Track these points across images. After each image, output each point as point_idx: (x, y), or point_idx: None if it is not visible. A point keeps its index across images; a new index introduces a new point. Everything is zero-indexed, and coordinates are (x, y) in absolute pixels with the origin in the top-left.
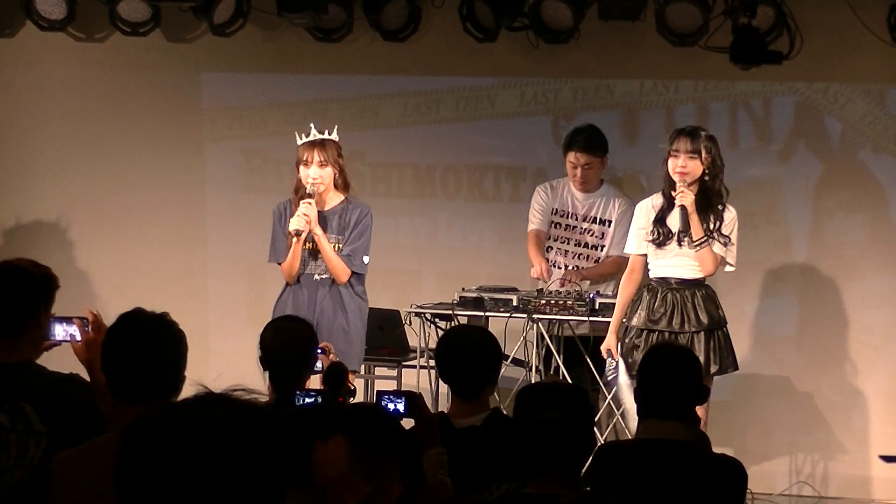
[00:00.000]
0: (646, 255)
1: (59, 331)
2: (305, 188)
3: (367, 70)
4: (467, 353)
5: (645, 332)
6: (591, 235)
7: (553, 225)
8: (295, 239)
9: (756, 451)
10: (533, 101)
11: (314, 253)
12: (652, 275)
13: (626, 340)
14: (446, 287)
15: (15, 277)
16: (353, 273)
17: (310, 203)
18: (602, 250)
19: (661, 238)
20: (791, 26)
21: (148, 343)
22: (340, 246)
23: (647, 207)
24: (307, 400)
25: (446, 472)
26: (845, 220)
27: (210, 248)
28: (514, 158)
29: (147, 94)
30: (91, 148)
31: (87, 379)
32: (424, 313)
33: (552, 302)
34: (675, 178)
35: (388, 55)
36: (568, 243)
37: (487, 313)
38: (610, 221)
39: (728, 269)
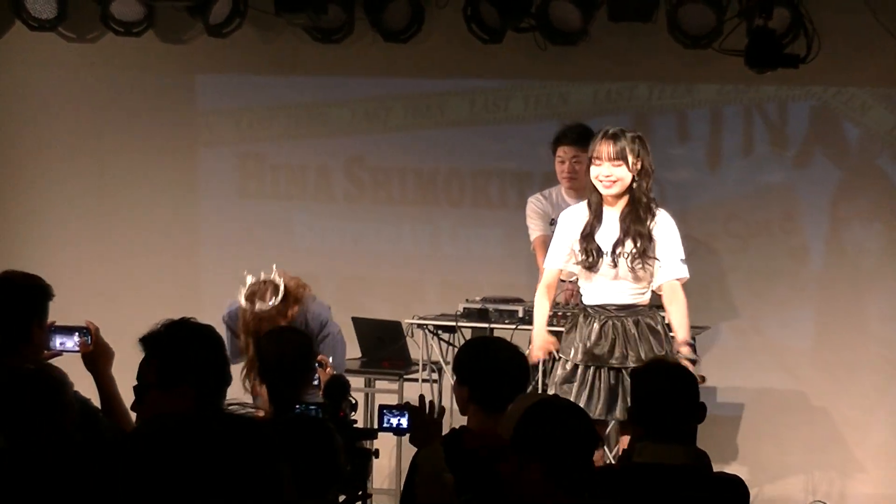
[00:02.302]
0: (562, 270)
1: (58, 341)
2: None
3: (368, 72)
4: (501, 363)
5: (581, 366)
6: None
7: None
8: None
9: (770, 468)
10: (540, 104)
11: None
12: (586, 301)
13: (560, 372)
14: (449, 298)
15: (3, 294)
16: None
17: None
18: None
19: (591, 258)
20: (808, 28)
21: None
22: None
23: (572, 218)
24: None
25: (443, 466)
26: (863, 229)
27: (203, 258)
28: (520, 164)
29: (140, 97)
30: (80, 152)
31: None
32: (427, 325)
33: (559, 314)
34: (599, 186)
35: (389, 57)
36: None
37: (492, 325)
38: None
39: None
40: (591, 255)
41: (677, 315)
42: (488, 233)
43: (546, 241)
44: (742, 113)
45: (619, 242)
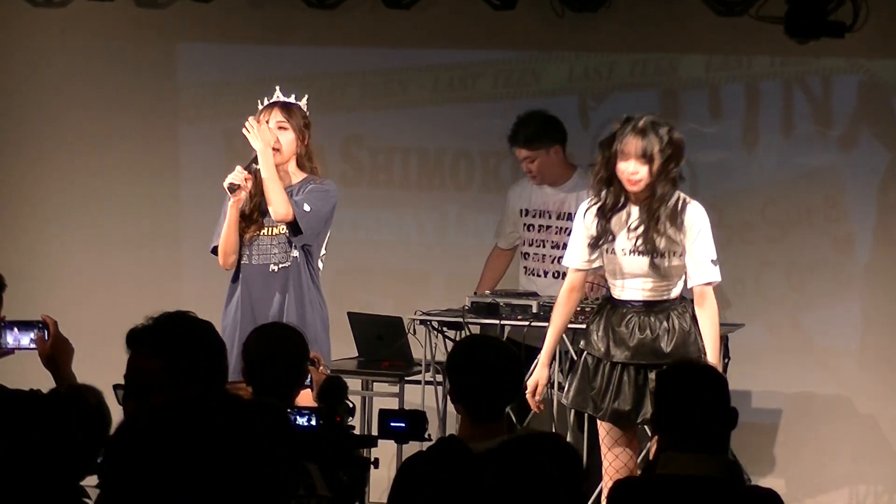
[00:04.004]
0: (586, 271)
1: (12, 338)
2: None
3: (367, 42)
4: (489, 370)
5: (606, 363)
6: (560, 234)
7: (526, 227)
8: (230, 201)
9: (811, 481)
10: (557, 77)
11: (269, 237)
12: (613, 293)
13: (581, 370)
14: (456, 291)
15: None
16: (294, 222)
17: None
18: None
19: (602, 241)
20: None
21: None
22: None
23: (590, 210)
24: (300, 419)
25: None
26: None
27: (185, 245)
28: None
29: (115, 68)
30: (49, 129)
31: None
32: (431, 321)
33: (578, 309)
34: (627, 185)
35: (390, 25)
36: (543, 246)
37: (503, 321)
38: None
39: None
40: (607, 233)
41: (706, 330)
42: (499, 220)
43: (500, 256)
44: (781, 88)
45: (641, 237)
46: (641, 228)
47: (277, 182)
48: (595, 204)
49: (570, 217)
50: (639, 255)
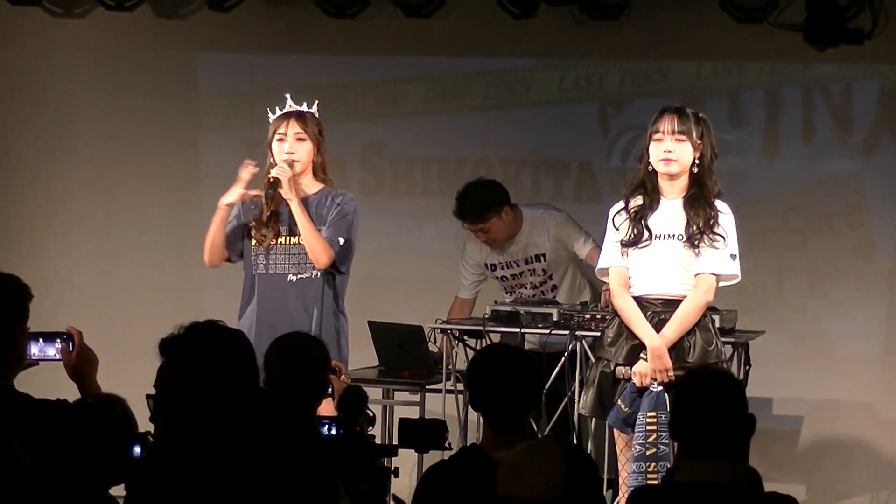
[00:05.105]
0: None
1: (37, 349)
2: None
3: (387, 50)
4: (509, 378)
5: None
6: (533, 275)
7: (500, 279)
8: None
9: (833, 487)
10: (577, 86)
11: (285, 246)
12: (631, 292)
13: (602, 380)
14: (477, 299)
15: None
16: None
17: (291, 165)
18: (551, 280)
19: (636, 236)
20: (874, 0)
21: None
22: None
23: (621, 211)
24: (320, 429)
25: None
26: None
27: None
28: (555, 152)
29: (134, 78)
30: (69, 139)
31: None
32: (452, 329)
33: (598, 317)
34: (660, 166)
35: (410, 33)
36: (524, 287)
37: (524, 329)
38: (543, 255)
39: (733, 282)
40: (638, 233)
41: (680, 310)
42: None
43: (463, 306)
44: (801, 94)
45: (680, 225)
46: (681, 215)
47: (313, 232)
48: (623, 207)
49: (537, 258)
50: (672, 239)
